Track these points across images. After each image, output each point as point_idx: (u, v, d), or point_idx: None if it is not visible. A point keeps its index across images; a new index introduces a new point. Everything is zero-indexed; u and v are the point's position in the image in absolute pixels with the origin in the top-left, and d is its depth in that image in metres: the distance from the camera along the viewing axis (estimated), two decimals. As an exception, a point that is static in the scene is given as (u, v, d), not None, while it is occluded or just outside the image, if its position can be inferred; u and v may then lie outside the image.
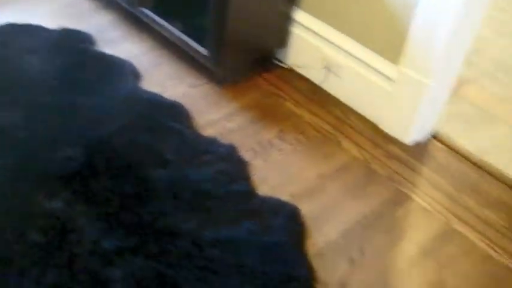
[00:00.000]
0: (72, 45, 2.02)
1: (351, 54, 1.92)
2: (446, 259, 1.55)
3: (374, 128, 1.92)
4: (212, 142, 1.73)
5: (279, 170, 1.71)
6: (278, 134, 1.82)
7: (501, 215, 1.71)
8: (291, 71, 2.10)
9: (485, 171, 1.85)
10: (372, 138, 1.88)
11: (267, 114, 1.90)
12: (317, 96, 2.01)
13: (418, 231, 1.61)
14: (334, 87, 2.01)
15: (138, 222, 1.46)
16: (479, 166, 1.87)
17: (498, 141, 2.01)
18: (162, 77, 1.98)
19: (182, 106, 1.84)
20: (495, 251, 1.60)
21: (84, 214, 1.46)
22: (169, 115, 1.79)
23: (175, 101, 1.85)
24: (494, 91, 2.26)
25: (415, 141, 1.90)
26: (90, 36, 2.07)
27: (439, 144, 1.92)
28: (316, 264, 1.45)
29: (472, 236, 1.63)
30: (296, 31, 2.05)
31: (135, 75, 1.95)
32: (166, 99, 1.85)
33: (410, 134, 1.87)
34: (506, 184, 1.82)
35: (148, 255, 1.39)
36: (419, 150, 1.88)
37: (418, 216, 1.65)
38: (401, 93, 1.83)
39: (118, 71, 1.94)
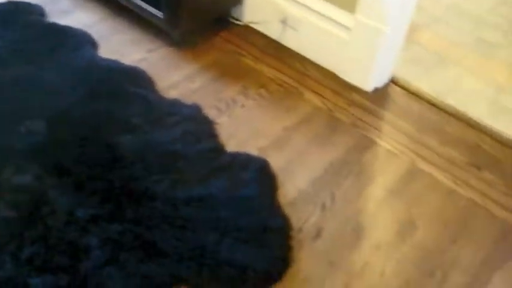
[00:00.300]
0: (23, 18, 1.97)
1: (306, 7, 1.93)
2: (414, 197, 1.60)
3: (334, 77, 1.94)
4: (176, 104, 1.73)
5: (244, 125, 1.72)
6: (240, 91, 1.83)
7: (462, 152, 1.77)
8: (247, 28, 2.09)
9: (444, 111, 1.91)
10: (333, 88, 1.91)
11: (228, 72, 1.90)
12: (276, 51, 2.02)
13: (384, 173, 1.66)
14: (291, 40, 2.02)
15: (110, 189, 1.46)
16: (438, 107, 1.92)
17: (453, 82, 2.06)
18: (119, 44, 1.95)
19: (142, 71, 1.83)
20: (459, 185, 1.66)
21: (54, 186, 1.45)
22: (131, 81, 1.78)
23: (135, 67, 1.84)
24: (445, 35, 2.30)
25: (375, 88, 1.93)
26: (41, 8, 2.03)
27: (398, 89, 1.96)
28: (290, 213, 1.48)
29: (437, 173, 1.68)
30: (250, -13, 2.04)
31: (91, 44, 1.92)
32: (125, 65, 1.84)
33: (370, 81, 1.90)
34: (464, 122, 1.88)
35: (124, 220, 1.40)
36: (379, 96, 1.92)
37: (384, 159, 1.70)
38: (358, 41, 1.85)
39: (73, 40, 1.91)
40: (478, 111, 1.93)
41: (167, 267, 1.33)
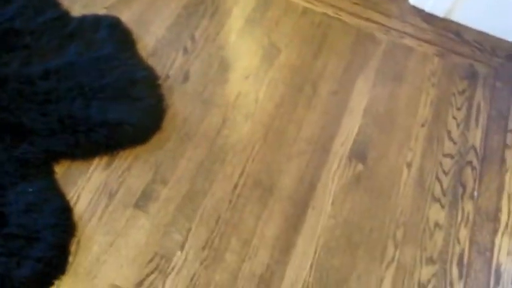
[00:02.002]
0: None
1: None
2: (271, 23, 1.61)
3: None
4: (3, -20, 1.58)
5: (84, -13, 1.62)
6: (70, -46, 1.70)
7: (309, -28, 1.79)
8: None
9: None
10: None
11: None
12: None
13: (239, 5, 1.64)
14: None
15: (-45, 82, 1.35)
16: None
17: None
18: None
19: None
20: (311, 3, 1.69)
21: None
22: None
23: None
24: None
25: None
26: None
27: None
28: (153, 62, 1.45)
29: (288, -4, 1.70)
30: None
31: None
32: None
33: None
34: None
35: (-19, 110, 1.31)
36: None
37: (235, -7, 1.68)
38: None
39: None
40: None
41: (40, 144, 1.28)
